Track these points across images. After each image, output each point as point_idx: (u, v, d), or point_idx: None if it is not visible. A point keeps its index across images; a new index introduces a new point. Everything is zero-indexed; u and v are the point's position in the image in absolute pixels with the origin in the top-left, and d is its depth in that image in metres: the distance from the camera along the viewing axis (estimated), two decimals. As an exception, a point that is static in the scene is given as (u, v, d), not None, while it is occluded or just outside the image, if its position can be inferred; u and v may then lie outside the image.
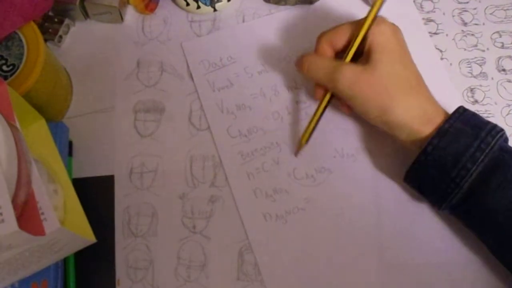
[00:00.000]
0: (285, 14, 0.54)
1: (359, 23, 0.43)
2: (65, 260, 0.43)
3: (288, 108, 0.50)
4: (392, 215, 0.46)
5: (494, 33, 0.53)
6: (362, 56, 0.44)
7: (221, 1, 0.53)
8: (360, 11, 0.53)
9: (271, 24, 0.53)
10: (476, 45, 0.52)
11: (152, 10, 0.54)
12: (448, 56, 0.52)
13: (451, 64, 0.52)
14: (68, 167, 0.47)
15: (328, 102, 0.45)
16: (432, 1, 0.54)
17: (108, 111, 0.51)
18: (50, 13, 0.53)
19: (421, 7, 0.54)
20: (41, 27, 0.51)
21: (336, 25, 0.45)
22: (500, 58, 0.52)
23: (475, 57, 0.52)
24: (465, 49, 0.52)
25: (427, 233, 0.45)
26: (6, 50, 0.44)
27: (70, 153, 0.48)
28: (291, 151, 0.48)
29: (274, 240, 0.45)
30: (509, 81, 0.51)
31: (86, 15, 0.54)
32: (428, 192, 0.42)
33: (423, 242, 0.45)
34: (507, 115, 0.49)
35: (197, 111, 0.50)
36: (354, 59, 0.44)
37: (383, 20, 0.43)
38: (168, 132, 0.50)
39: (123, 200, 0.47)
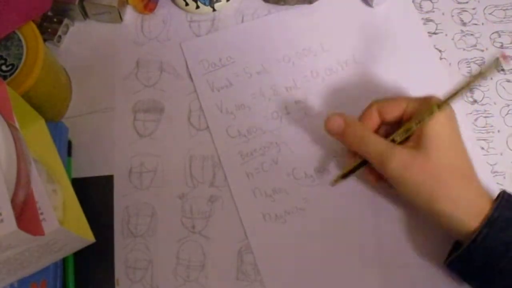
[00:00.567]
0: (285, 14, 0.54)
1: (417, 101, 0.41)
2: (64, 260, 0.43)
3: (287, 108, 0.50)
4: (391, 215, 0.46)
5: (493, 33, 0.53)
6: (409, 138, 0.41)
7: (220, 1, 0.53)
8: (360, 11, 0.53)
9: (271, 24, 0.53)
10: (475, 45, 0.52)
11: (151, 10, 0.54)
12: (447, 56, 0.52)
13: (450, 64, 0.52)
14: (67, 167, 0.47)
15: (357, 168, 0.44)
16: (431, 1, 0.54)
17: (107, 111, 0.51)
18: (49, 13, 0.53)
19: (420, 7, 0.54)
20: (40, 27, 0.51)
21: (391, 96, 0.44)
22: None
23: (474, 57, 0.52)
24: (464, 49, 0.52)
25: (427, 233, 0.45)
26: (5, 50, 0.44)
27: (69, 153, 0.48)
28: (290, 151, 0.48)
29: (273, 240, 0.45)
30: (508, 81, 0.51)
31: (85, 15, 0.54)
32: (470, 278, 0.41)
33: (423, 242, 0.45)
34: (506, 115, 0.49)
35: (197, 111, 0.50)
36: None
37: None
38: (167, 132, 0.50)
39: (123, 200, 0.47)
